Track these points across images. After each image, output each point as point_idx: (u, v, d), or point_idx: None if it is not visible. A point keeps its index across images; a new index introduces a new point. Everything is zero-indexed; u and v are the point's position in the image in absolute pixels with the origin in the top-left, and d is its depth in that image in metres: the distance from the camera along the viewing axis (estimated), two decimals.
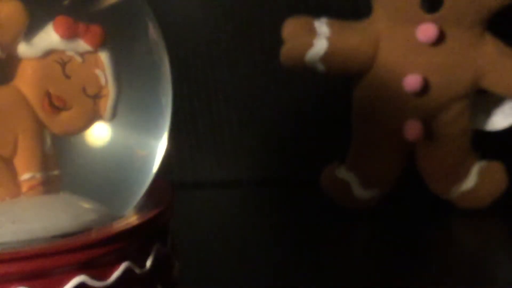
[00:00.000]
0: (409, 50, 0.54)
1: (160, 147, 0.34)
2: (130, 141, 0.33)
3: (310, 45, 0.54)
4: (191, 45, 0.63)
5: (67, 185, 0.32)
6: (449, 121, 0.55)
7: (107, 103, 0.32)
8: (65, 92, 0.31)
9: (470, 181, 0.56)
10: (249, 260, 0.49)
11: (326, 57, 0.54)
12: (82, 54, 0.31)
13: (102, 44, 0.31)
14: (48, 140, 0.32)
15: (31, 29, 0.31)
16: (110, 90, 0.32)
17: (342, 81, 0.59)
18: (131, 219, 0.32)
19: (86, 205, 0.32)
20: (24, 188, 0.31)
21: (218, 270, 0.48)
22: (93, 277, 0.30)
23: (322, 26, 0.55)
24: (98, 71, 0.32)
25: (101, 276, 0.30)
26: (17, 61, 0.31)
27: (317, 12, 0.57)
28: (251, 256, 0.50)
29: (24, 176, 0.31)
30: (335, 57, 0.54)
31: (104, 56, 0.32)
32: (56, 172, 0.32)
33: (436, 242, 0.53)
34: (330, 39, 0.54)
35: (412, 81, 0.54)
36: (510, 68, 0.54)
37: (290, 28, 0.55)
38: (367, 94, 0.56)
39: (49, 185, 0.32)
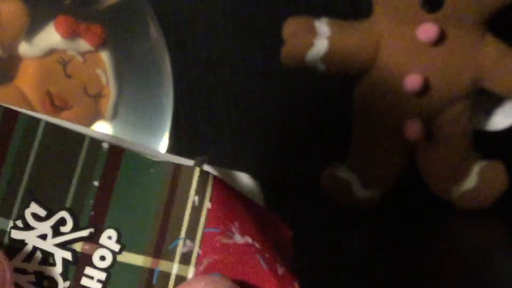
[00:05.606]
0: (409, 50, 0.54)
1: (161, 146, 0.34)
2: (131, 140, 0.33)
3: (310, 45, 0.54)
4: (191, 45, 0.63)
5: None
6: (449, 121, 0.55)
7: (108, 102, 0.32)
8: (66, 92, 0.31)
9: (470, 181, 0.56)
10: None
11: (326, 57, 0.54)
12: (83, 54, 0.31)
13: (103, 43, 0.31)
14: None
15: (32, 29, 0.31)
16: (111, 89, 0.32)
17: (342, 81, 0.59)
18: None
19: None
20: None
21: None
22: None
23: (322, 26, 0.55)
24: (99, 71, 0.32)
25: None
26: (18, 60, 0.31)
27: (317, 12, 0.57)
28: None
29: None
30: (336, 57, 0.54)
31: (105, 56, 0.32)
32: None
33: (436, 242, 0.53)
34: (330, 39, 0.54)
35: (412, 81, 0.54)
36: (510, 68, 0.54)
37: (291, 28, 0.55)
38: (367, 94, 0.56)
39: None
